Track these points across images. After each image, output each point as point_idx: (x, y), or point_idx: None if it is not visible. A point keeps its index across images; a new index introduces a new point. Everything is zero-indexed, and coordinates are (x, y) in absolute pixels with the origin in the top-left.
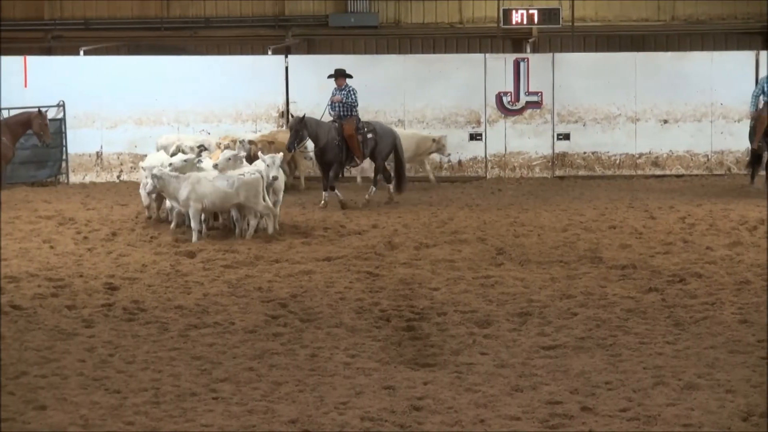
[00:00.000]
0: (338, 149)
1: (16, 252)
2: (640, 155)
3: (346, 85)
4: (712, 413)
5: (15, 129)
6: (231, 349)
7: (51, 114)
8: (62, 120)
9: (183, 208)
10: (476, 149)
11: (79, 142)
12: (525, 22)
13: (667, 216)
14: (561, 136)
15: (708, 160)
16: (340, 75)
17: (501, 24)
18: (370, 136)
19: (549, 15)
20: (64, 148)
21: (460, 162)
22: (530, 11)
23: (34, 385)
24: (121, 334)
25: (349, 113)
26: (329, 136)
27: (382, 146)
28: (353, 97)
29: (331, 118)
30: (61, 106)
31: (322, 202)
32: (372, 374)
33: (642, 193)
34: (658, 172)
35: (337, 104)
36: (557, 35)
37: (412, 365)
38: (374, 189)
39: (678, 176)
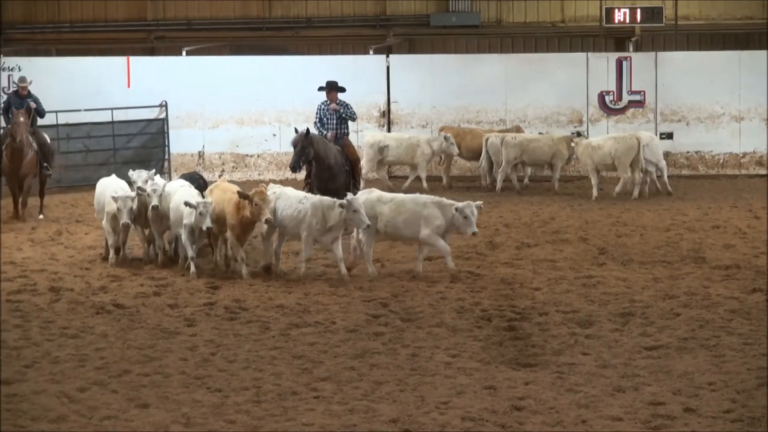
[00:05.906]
0: (347, 175)
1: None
2: (744, 154)
3: (340, 100)
4: None
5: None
6: (332, 349)
7: (153, 114)
8: (165, 120)
9: None
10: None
11: (181, 142)
12: (627, 20)
13: None
14: (664, 136)
15: None
16: (332, 88)
17: (603, 23)
18: None
19: (652, 13)
20: (166, 148)
21: None
22: (633, 10)
23: (137, 383)
24: (223, 333)
25: (347, 132)
26: (336, 160)
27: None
28: (350, 111)
29: (321, 133)
30: (164, 106)
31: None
32: (473, 374)
33: (746, 193)
34: (762, 171)
35: (333, 113)
36: (660, 34)
37: (513, 365)
38: None
39: None
